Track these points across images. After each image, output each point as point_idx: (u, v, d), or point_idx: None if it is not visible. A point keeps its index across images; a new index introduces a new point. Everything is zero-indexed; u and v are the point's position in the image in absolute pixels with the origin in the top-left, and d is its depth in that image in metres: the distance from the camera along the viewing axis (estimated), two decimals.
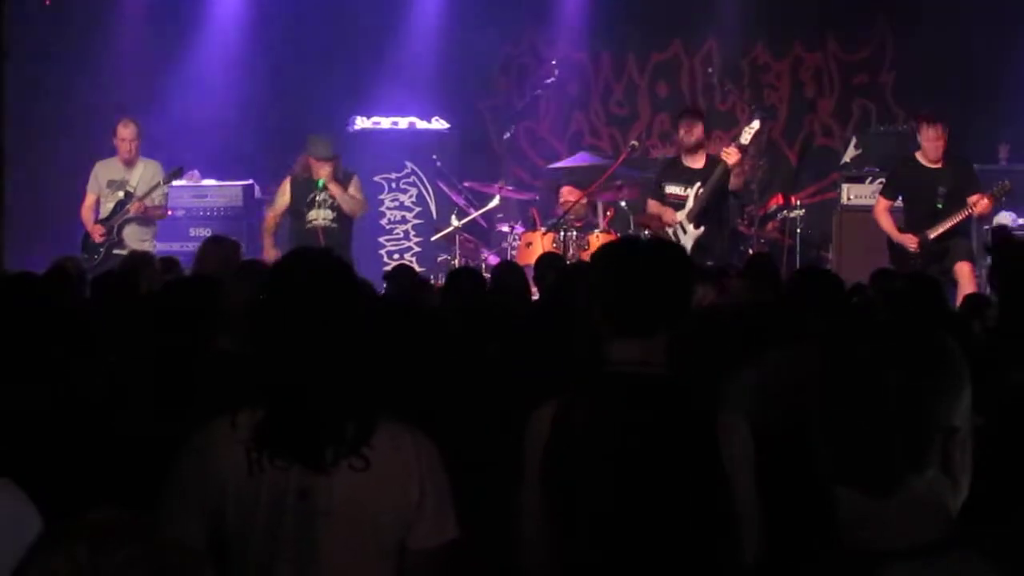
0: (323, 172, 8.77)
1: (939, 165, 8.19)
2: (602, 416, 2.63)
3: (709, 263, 7.95)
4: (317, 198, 8.82)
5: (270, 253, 8.74)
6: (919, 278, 5.13)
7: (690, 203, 8.64)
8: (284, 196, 9.01)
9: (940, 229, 8.12)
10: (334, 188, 8.79)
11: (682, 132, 8.75)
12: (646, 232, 9.05)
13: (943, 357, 1.63)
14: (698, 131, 8.71)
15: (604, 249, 2.91)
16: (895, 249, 8.34)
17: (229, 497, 2.38)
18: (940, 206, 8.12)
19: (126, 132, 8.99)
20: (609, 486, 2.59)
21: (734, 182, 8.68)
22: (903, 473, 1.61)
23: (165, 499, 2.42)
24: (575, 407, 2.66)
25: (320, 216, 8.84)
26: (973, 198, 8.04)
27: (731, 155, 8.50)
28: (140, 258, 7.05)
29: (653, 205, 8.97)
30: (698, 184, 8.61)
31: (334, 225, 8.84)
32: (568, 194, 9.85)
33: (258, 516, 2.38)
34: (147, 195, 8.86)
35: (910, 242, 8.20)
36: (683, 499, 2.58)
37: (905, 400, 1.60)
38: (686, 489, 2.58)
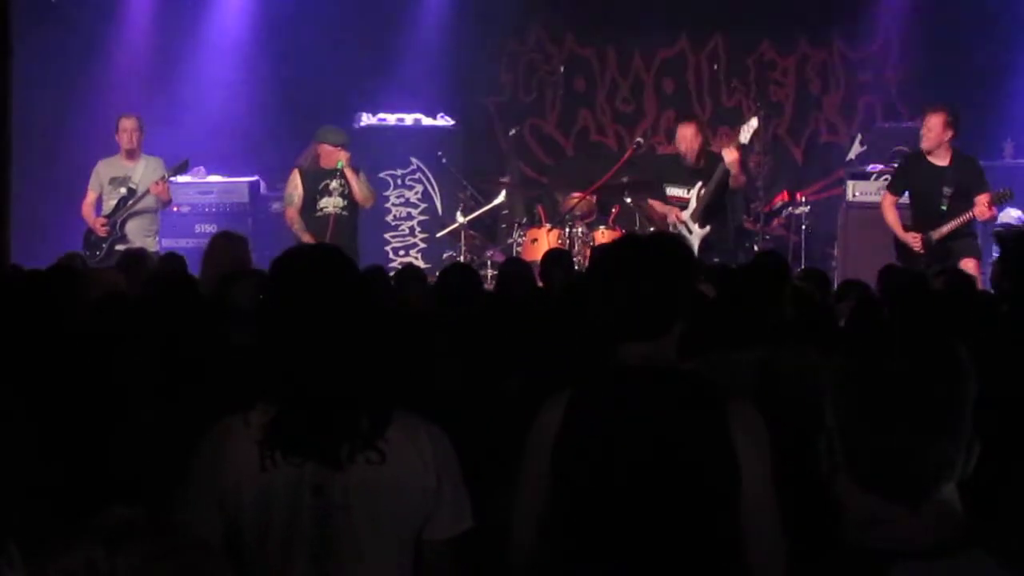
0: (342, 155, 8.75)
1: (946, 164, 8.16)
2: (614, 406, 2.59)
3: (716, 260, 7.96)
4: (330, 186, 8.79)
5: (307, 237, 8.57)
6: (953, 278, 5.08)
7: (693, 203, 8.65)
8: (298, 188, 8.90)
9: (944, 230, 8.09)
10: (351, 174, 8.77)
11: (680, 143, 8.76)
12: (651, 228, 9.05)
13: (968, 366, 1.64)
14: (690, 135, 8.70)
15: (605, 253, 2.86)
16: (901, 246, 8.32)
17: (244, 495, 2.38)
18: (944, 208, 8.09)
19: (128, 123, 9.02)
20: (624, 474, 2.55)
21: (736, 180, 8.67)
22: (939, 483, 1.61)
23: (181, 498, 2.41)
24: (585, 399, 2.62)
25: (332, 204, 8.79)
26: (978, 198, 8.02)
27: (730, 154, 8.51)
28: (134, 255, 7.05)
29: (656, 204, 8.98)
30: (699, 184, 8.62)
31: (345, 213, 8.80)
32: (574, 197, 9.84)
33: (274, 513, 2.37)
34: (157, 183, 8.86)
35: (914, 242, 8.18)
36: (695, 487, 2.54)
37: (951, 413, 1.61)
38: (699, 477, 2.54)
